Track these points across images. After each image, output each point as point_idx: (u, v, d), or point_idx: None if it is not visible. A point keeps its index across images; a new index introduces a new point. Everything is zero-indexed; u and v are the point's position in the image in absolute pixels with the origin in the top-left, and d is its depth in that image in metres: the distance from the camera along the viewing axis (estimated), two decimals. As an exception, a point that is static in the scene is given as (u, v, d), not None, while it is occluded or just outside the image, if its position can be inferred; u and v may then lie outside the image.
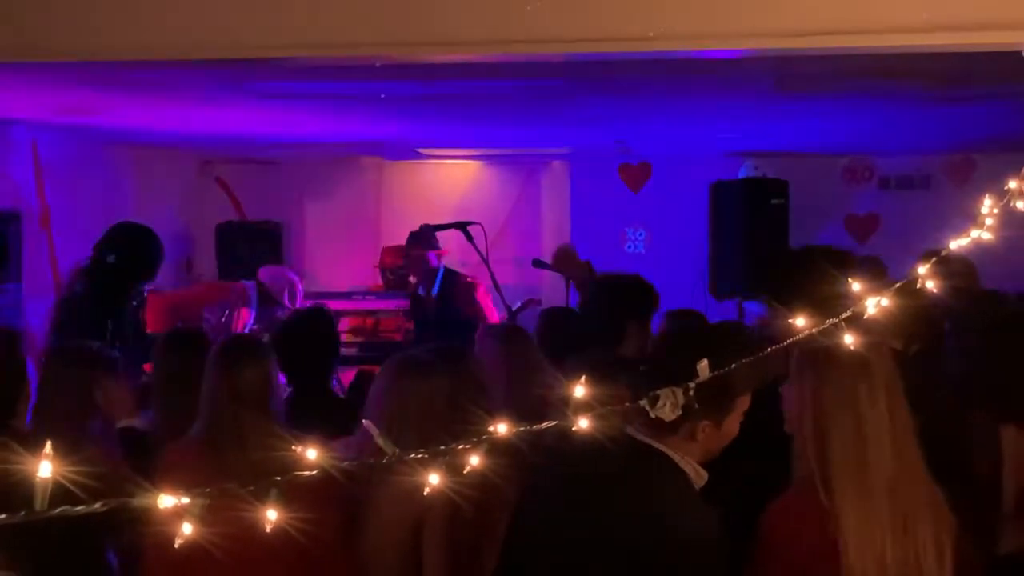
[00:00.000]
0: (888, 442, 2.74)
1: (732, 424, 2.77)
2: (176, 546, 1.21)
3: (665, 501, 2.69)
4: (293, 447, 1.37)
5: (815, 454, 2.78)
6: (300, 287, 7.24)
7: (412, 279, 7.66)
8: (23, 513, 1.02)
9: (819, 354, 2.78)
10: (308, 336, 4.67)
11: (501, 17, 4.03)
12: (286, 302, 7.05)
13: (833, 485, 2.73)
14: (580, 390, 1.59)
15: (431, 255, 7.25)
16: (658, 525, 2.64)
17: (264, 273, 7.21)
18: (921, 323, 3.57)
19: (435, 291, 7.17)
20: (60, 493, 1.12)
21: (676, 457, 2.70)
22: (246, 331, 6.84)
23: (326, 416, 3.76)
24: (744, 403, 2.77)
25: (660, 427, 2.59)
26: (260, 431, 3.35)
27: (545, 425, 1.53)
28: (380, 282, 9.27)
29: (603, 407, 1.59)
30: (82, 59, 4.40)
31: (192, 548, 2.81)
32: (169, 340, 4.37)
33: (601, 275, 5.55)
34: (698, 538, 2.63)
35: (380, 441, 1.39)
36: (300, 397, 4.39)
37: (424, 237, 7.31)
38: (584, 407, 1.57)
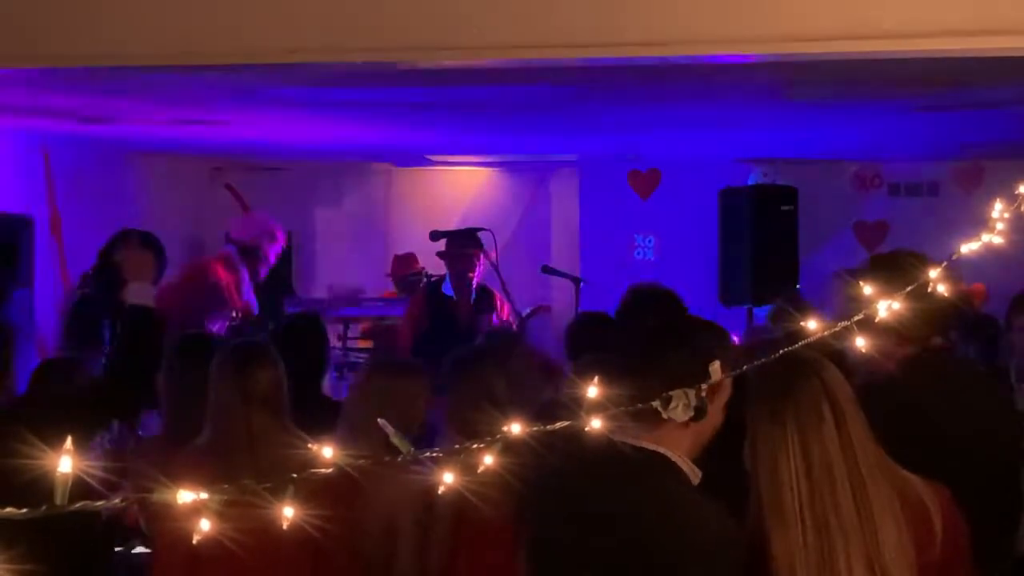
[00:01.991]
0: (842, 486, 2.60)
1: (716, 412, 2.66)
2: (194, 542, 1.22)
3: (669, 503, 2.67)
4: (308, 445, 1.38)
5: (755, 499, 2.69)
6: (281, 234, 7.07)
7: (423, 280, 7.60)
8: (44, 507, 1.03)
9: (768, 387, 2.67)
10: (299, 340, 4.69)
11: (508, 21, 4.04)
12: (268, 253, 6.94)
13: (772, 535, 2.61)
14: (592, 391, 1.60)
15: (482, 258, 7.03)
16: (667, 529, 2.62)
17: (236, 229, 7.06)
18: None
19: (473, 298, 7.02)
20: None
21: (671, 454, 2.67)
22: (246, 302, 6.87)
23: (318, 420, 3.75)
24: (727, 387, 2.66)
25: (647, 419, 2.52)
26: (271, 435, 3.36)
27: (557, 426, 1.54)
28: (390, 289, 9.28)
29: (615, 408, 1.60)
30: (91, 65, 4.43)
31: (204, 546, 2.83)
32: (178, 345, 4.39)
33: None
34: (707, 538, 2.61)
35: (396, 440, 1.40)
36: (291, 401, 4.42)
37: (473, 236, 7.10)
38: (594, 408, 1.58)
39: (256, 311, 6.96)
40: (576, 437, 1.63)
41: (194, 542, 1.22)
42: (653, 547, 2.61)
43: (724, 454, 2.74)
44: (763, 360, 2.05)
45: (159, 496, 1.12)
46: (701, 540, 2.59)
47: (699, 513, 2.63)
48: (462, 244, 7.07)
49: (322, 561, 3.32)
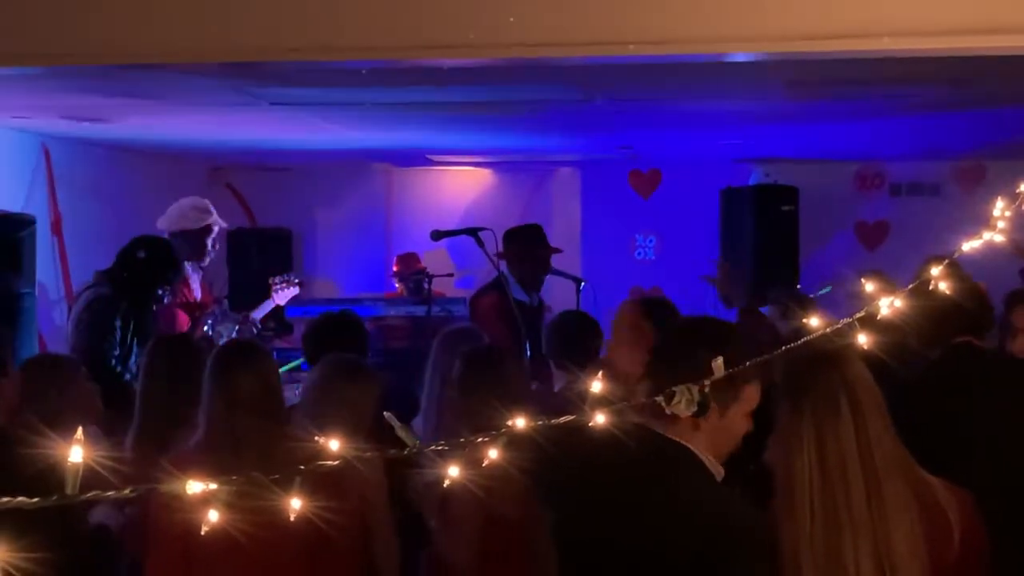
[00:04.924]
0: (855, 482, 2.61)
1: (738, 417, 2.70)
2: (202, 533, 1.23)
3: (692, 490, 2.68)
4: (316, 439, 1.39)
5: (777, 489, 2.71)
6: (212, 210, 6.87)
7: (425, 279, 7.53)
8: (55, 497, 1.04)
9: (790, 380, 2.71)
10: (334, 339, 4.69)
11: (508, 20, 4.04)
12: (204, 236, 6.78)
13: (781, 525, 2.63)
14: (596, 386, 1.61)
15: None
16: (692, 516, 2.63)
17: (166, 220, 6.82)
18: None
19: (537, 300, 6.97)
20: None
21: (692, 447, 2.69)
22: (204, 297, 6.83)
23: None
24: (752, 397, 2.71)
25: (666, 415, 2.52)
26: (257, 438, 3.34)
27: (562, 420, 1.55)
28: (390, 289, 9.28)
29: (619, 403, 1.61)
30: (90, 64, 4.43)
31: (197, 540, 2.84)
32: (154, 345, 4.43)
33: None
34: (732, 524, 2.62)
35: (401, 433, 1.40)
36: None
37: (541, 236, 7.03)
38: (600, 402, 1.59)
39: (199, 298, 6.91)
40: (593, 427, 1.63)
41: (203, 533, 1.22)
42: (677, 533, 2.62)
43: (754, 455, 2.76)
44: (780, 352, 2.06)
45: (167, 488, 1.13)
46: (726, 526, 2.61)
47: (723, 501, 2.65)
48: (546, 246, 7.01)
49: (320, 555, 3.33)
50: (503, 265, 6.87)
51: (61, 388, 3.97)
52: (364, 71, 4.75)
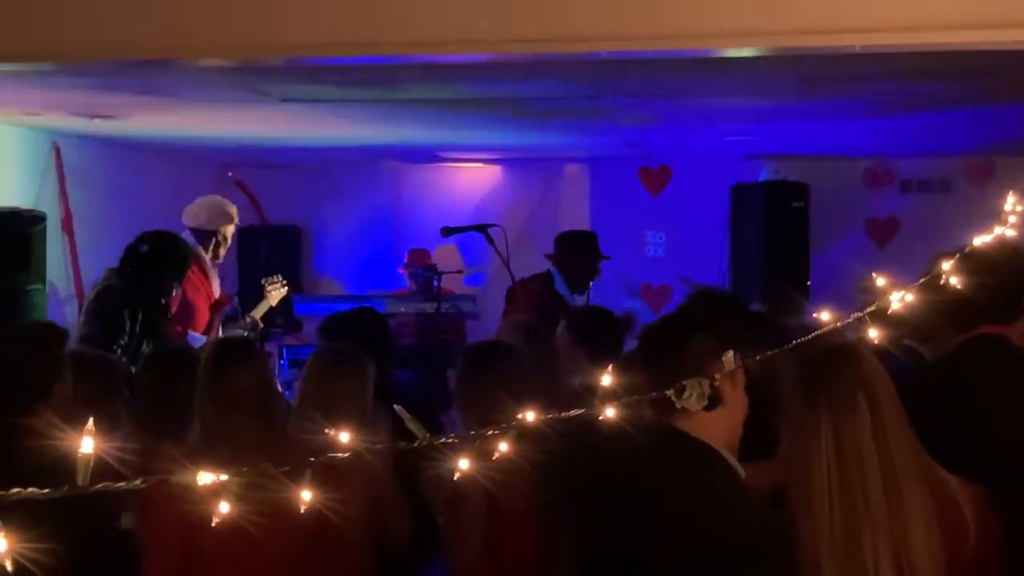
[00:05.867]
0: (873, 477, 2.58)
1: (741, 392, 2.72)
2: (212, 525, 1.23)
3: (714, 490, 2.68)
4: (327, 431, 1.39)
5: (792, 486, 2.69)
6: (235, 213, 6.93)
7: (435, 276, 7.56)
8: (66, 488, 1.04)
9: (805, 375, 2.68)
10: (355, 334, 4.67)
11: (517, 16, 4.04)
12: (226, 234, 6.80)
13: (798, 520, 2.61)
14: (607, 379, 1.60)
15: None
16: (712, 516, 2.63)
17: (190, 216, 6.83)
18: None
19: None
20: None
21: (716, 447, 2.69)
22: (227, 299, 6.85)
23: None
24: (739, 371, 2.68)
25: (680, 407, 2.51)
26: (253, 435, 3.33)
27: (573, 413, 1.55)
28: (398, 286, 9.29)
29: (630, 396, 1.61)
30: (100, 60, 4.44)
31: (197, 534, 2.82)
32: (149, 357, 4.42)
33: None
34: (751, 525, 2.62)
35: (411, 426, 1.40)
36: None
37: (595, 244, 7.13)
38: (611, 396, 1.59)
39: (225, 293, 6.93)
40: (615, 423, 1.63)
41: (213, 525, 1.23)
42: (698, 532, 2.62)
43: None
44: (794, 345, 2.05)
45: (179, 479, 1.13)
46: (746, 527, 2.60)
47: (744, 499, 2.64)
48: (598, 254, 7.07)
49: (323, 548, 3.34)
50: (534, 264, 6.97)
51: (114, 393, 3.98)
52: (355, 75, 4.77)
